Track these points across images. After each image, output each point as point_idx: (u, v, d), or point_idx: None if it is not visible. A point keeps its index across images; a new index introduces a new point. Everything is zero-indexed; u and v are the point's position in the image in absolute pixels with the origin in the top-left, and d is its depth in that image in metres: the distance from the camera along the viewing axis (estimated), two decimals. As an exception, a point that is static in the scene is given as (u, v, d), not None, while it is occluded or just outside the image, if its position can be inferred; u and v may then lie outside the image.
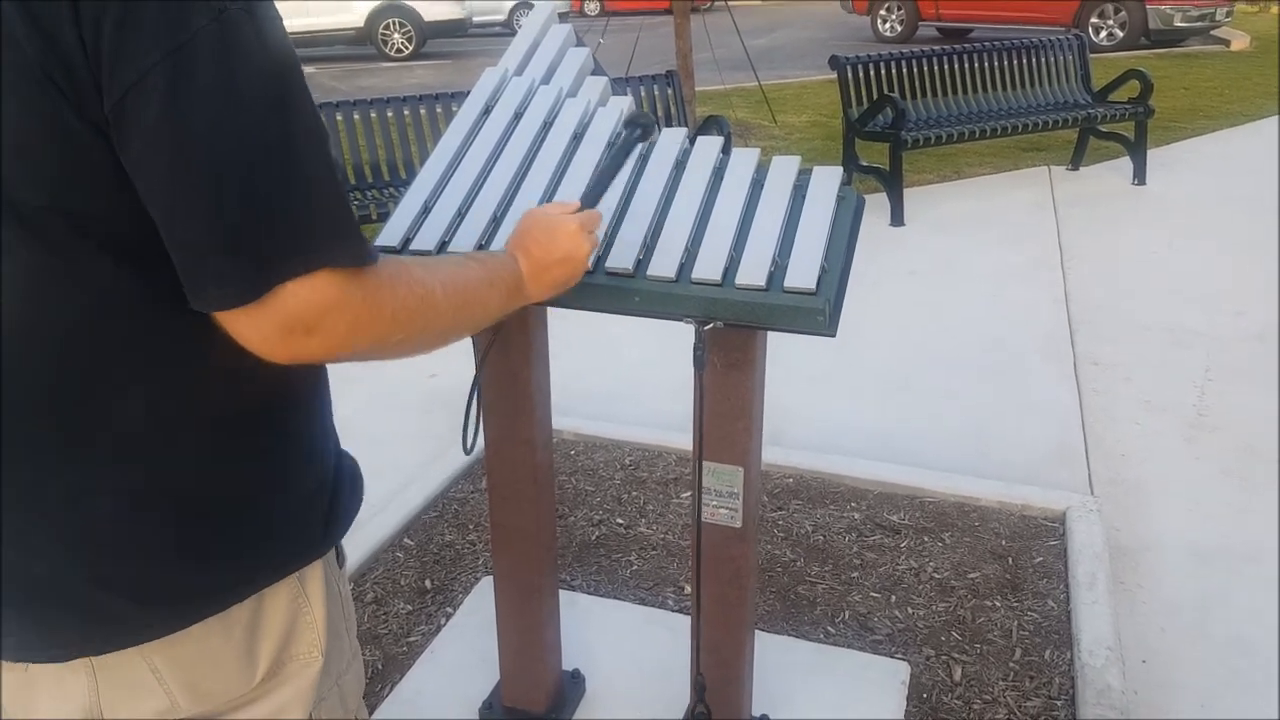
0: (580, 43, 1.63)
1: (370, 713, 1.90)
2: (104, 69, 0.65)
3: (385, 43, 14.21)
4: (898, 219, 5.22)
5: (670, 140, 1.44)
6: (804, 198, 1.35)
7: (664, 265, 1.29)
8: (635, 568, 2.39)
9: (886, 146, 5.32)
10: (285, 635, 0.89)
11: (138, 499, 0.79)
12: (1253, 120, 7.72)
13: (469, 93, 1.54)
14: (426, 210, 1.39)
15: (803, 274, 1.25)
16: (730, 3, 8.87)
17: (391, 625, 2.18)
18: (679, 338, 3.33)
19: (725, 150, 1.43)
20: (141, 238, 0.71)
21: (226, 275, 0.70)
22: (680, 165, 1.41)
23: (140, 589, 0.80)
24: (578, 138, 1.45)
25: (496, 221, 1.36)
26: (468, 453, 1.33)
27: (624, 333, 3.75)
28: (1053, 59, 6.10)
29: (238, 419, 0.82)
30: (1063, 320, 3.90)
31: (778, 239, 1.29)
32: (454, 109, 4.65)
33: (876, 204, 5.20)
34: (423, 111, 4.70)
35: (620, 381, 3.44)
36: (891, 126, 5.32)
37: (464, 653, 2.05)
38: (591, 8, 21.58)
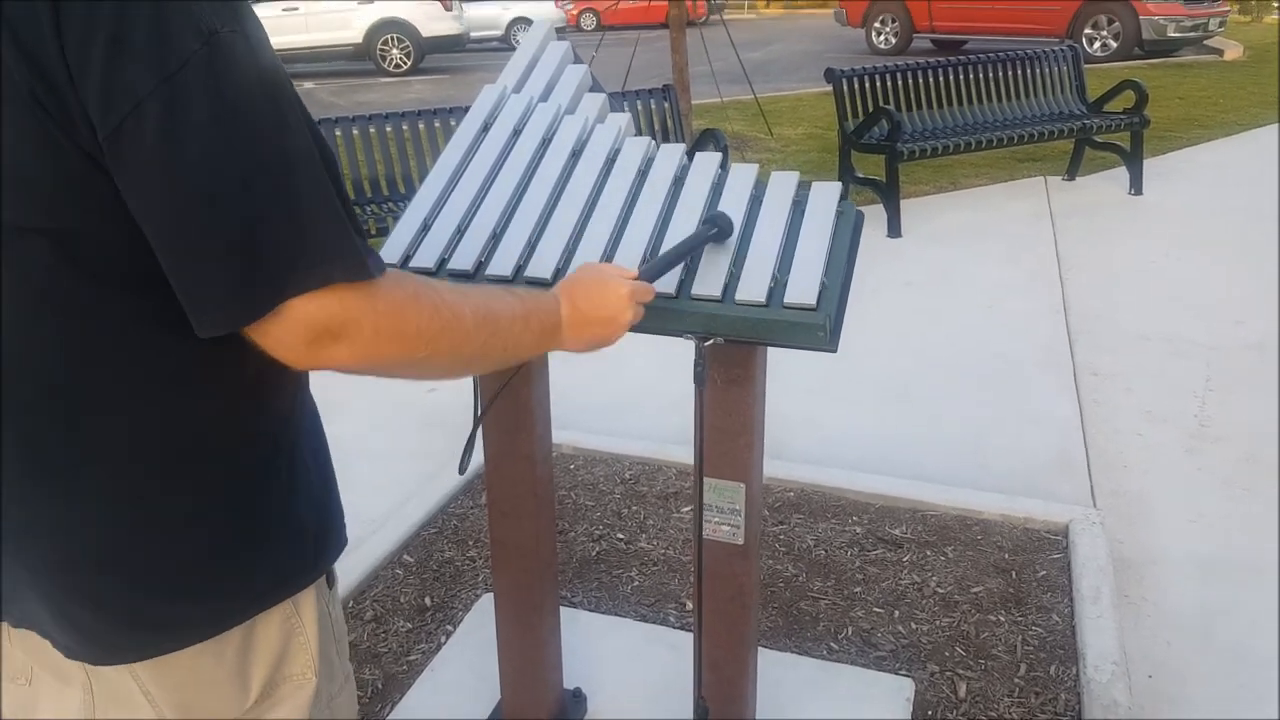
0: (578, 59, 1.64)
1: (370, 733, 1.89)
2: (95, 97, 0.65)
3: (384, 58, 14.28)
4: (894, 230, 5.23)
5: (669, 156, 1.44)
6: (803, 213, 1.35)
7: (664, 281, 1.28)
8: (636, 584, 2.37)
9: (882, 158, 5.33)
10: (278, 657, 0.89)
11: (128, 526, 0.79)
12: (1247, 130, 7.75)
13: (467, 108, 1.53)
14: (426, 227, 1.38)
15: (803, 290, 1.24)
16: (726, 17, 8.90)
17: (391, 644, 2.16)
18: (678, 351, 3.32)
19: (723, 166, 1.42)
20: (129, 263, 0.71)
21: (225, 297, 0.70)
22: (679, 181, 1.41)
23: (131, 615, 0.80)
24: (576, 155, 1.45)
25: (496, 239, 1.35)
26: (461, 473, 1.33)
27: (622, 346, 3.74)
28: (1047, 70, 6.12)
29: (228, 446, 0.82)
30: (1061, 330, 3.90)
31: (777, 255, 1.29)
32: (452, 124, 4.66)
33: (873, 216, 5.21)
34: (421, 127, 4.71)
35: (619, 395, 3.43)
36: (887, 138, 5.33)
37: (464, 671, 2.03)
38: (588, 22, 21.70)
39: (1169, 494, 2.73)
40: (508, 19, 17.83)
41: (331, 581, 0.96)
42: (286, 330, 0.72)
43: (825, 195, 1.36)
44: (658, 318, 1.27)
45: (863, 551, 2.46)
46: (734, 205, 1.36)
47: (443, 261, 1.35)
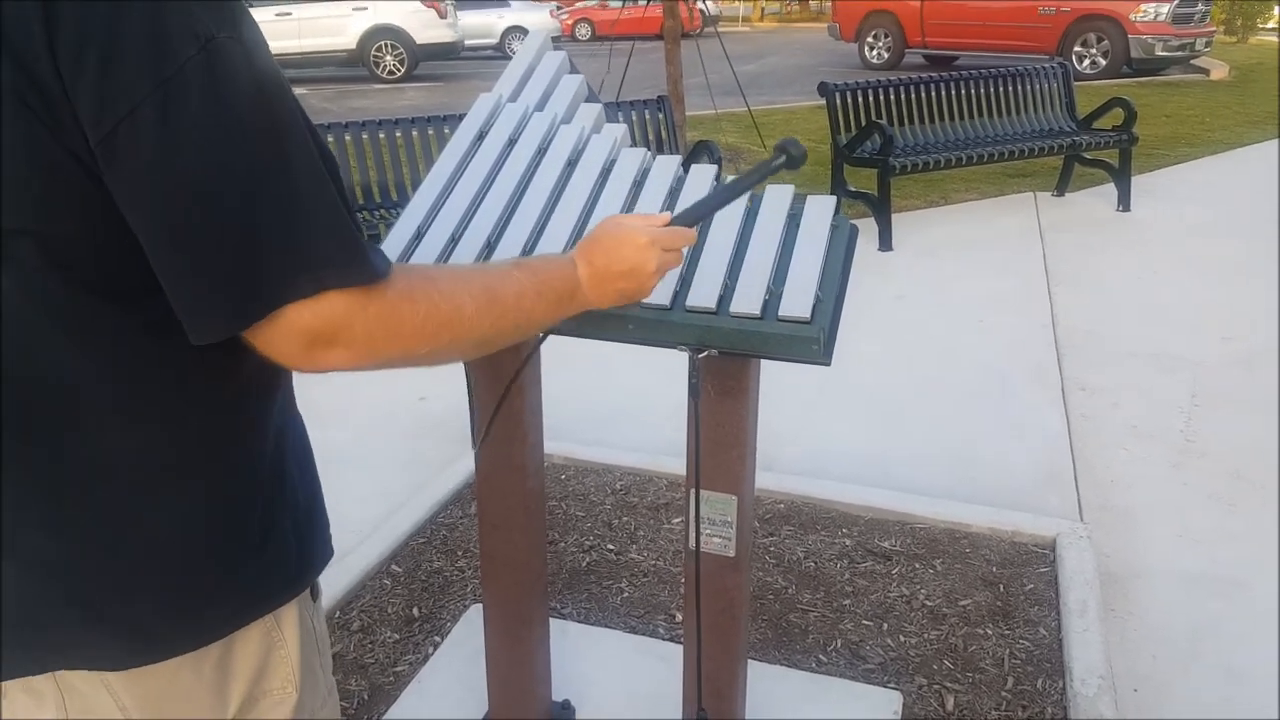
0: (574, 69, 1.64)
1: (356, 744, 1.87)
2: (88, 101, 0.64)
3: (377, 64, 14.27)
4: (886, 244, 5.26)
5: (664, 168, 1.44)
6: (798, 227, 1.35)
7: (658, 292, 1.28)
8: (626, 595, 2.37)
9: (875, 172, 5.36)
10: (258, 671, 0.88)
11: (110, 536, 0.78)
12: (1233, 148, 7.83)
13: (461, 115, 1.54)
14: (420, 235, 1.38)
15: (797, 303, 1.25)
16: (720, 29, 8.94)
17: (378, 654, 2.15)
18: (669, 362, 3.32)
19: (718, 179, 1.43)
20: (118, 270, 0.71)
21: (218, 304, 0.70)
22: (674, 193, 1.41)
23: (113, 622, 0.79)
24: (572, 164, 1.45)
25: (490, 247, 1.35)
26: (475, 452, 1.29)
27: (614, 356, 3.74)
28: (1038, 86, 6.18)
29: (215, 456, 0.81)
30: (1050, 345, 3.92)
31: (772, 267, 1.29)
32: (446, 131, 4.66)
33: (865, 229, 5.22)
34: (415, 133, 4.71)
35: (611, 405, 3.43)
36: (879, 152, 5.36)
37: (452, 683, 2.02)
38: (583, 32, 21.76)
39: (1155, 509, 2.74)
40: (502, 27, 17.88)
41: (315, 594, 0.95)
42: (282, 336, 0.72)
43: (820, 209, 1.37)
44: (652, 329, 1.28)
45: (852, 564, 2.46)
46: (729, 218, 1.36)
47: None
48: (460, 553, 2.53)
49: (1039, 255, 5.13)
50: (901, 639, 2.18)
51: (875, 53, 14.47)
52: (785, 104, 10.52)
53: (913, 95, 5.82)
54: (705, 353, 1.27)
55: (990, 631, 2.20)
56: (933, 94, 5.88)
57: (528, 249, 1.34)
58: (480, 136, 1.51)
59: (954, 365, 3.74)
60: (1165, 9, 11.91)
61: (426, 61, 14.75)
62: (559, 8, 22.12)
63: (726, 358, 1.30)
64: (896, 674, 2.07)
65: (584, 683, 2.01)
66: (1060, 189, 6.39)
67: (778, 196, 1.39)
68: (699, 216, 1.09)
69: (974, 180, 6.72)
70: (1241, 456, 3.02)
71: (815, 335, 1.22)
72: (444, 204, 1.42)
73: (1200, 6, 12.54)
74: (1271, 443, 3.10)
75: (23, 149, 0.66)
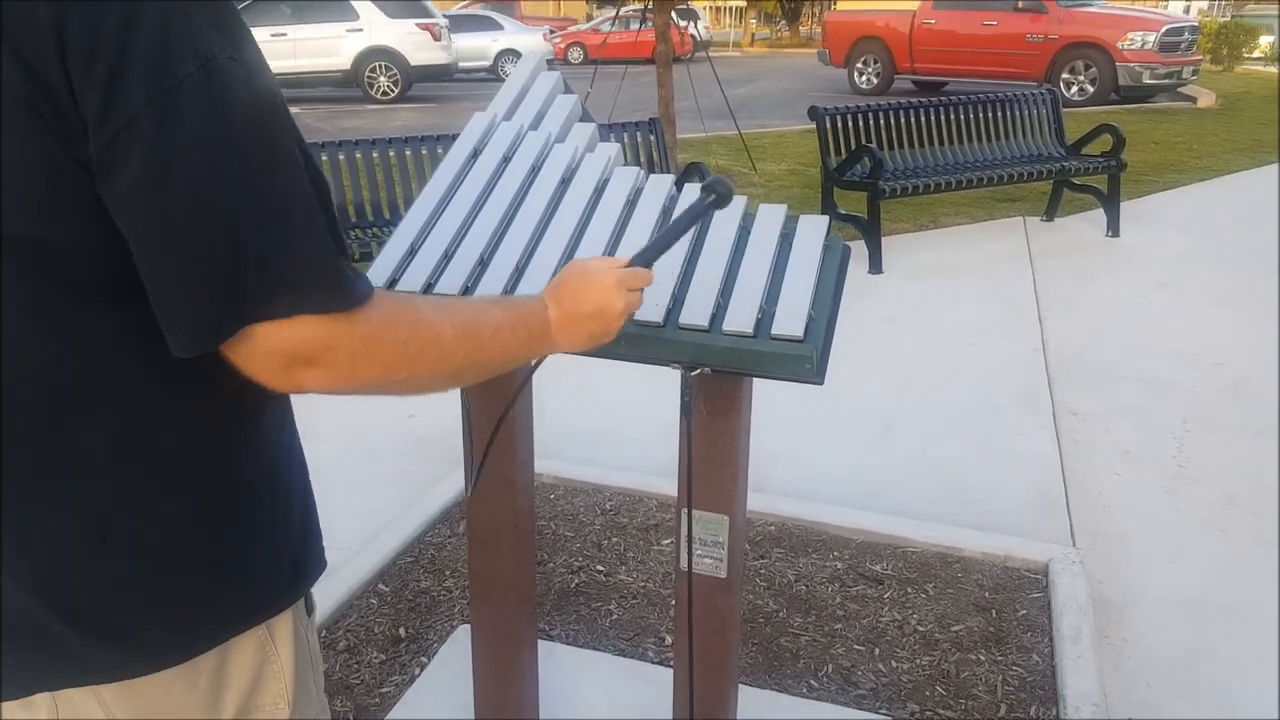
0: (568, 89, 1.64)
1: (340, 768, 1.84)
2: (94, 109, 0.66)
3: (371, 85, 14.33)
4: (876, 267, 5.27)
5: (657, 186, 1.44)
6: (790, 245, 1.35)
7: (651, 310, 1.28)
8: (615, 617, 2.34)
9: (864, 195, 5.39)
10: (251, 686, 0.87)
11: (103, 541, 0.78)
12: (1221, 175, 7.90)
13: (454, 135, 1.53)
14: (413, 252, 1.37)
15: (790, 321, 1.24)
16: (712, 54, 9.02)
17: (364, 675, 2.12)
18: (660, 380, 3.31)
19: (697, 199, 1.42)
20: (114, 276, 0.72)
21: (194, 318, 0.71)
22: (667, 212, 1.41)
23: (105, 630, 0.79)
24: (565, 182, 1.45)
25: (483, 264, 1.35)
26: (469, 494, 1.30)
27: (603, 374, 3.73)
28: (1027, 112, 6.23)
29: (207, 464, 0.81)
30: (1040, 370, 3.93)
31: (765, 286, 1.29)
32: (439, 151, 4.67)
33: (855, 252, 5.22)
34: (408, 153, 4.71)
35: (601, 423, 3.41)
36: (869, 176, 5.39)
37: (439, 704, 1.99)
38: (575, 55, 21.92)
39: (1148, 534, 2.74)
40: (496, 50, 17.99)
41: (310, 607, 0.95)
42: (260, 354, 0.73)
43: (812, 228, 1.37)
44: (644, 346, 1.27)
45: (844, 588, 2.44)
46: (722, 237, 1.36)
47: (429, 286, 1.34)
48: (448, 572, 2.50)
49: (1029, 279, 5.15)
50: (894, 664, 2.16)
51: (865, 78, 14.62)
52: (775, 127, 10.60)
53: (902, 120, 5.87)
54: (698, 371, 1.26)
55: (983, 657, 2.19)
56: (922, 119, 5.93)
57: (520, 267, 1.34)
58: (475, 154, 1.50)
59: (945, 388, 3.74)
60: (1152, 37, 12.07)
61: (420, 83, 14.82)
62: (552, 31, 22.30)
63: (719, 376, 1.30)
64: (889, 700, 2.05)
65: (572, 706, 1.98)
66: (1050, 214, 6.43)
67: (770, 216, 1.38)
68: (653, 257, 1.12)
69: (964, 204, 6.76)
70: (1234, 482, 3.02)
71: (808, 354, 1.21)
72: (437, 221, 1.41)
73: (1187, 35, 12.72)
74: (1263, 468, 3.11)
75: (32, 155, 0.67)
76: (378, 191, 4.68)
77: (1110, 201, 6.04)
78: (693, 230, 1.24)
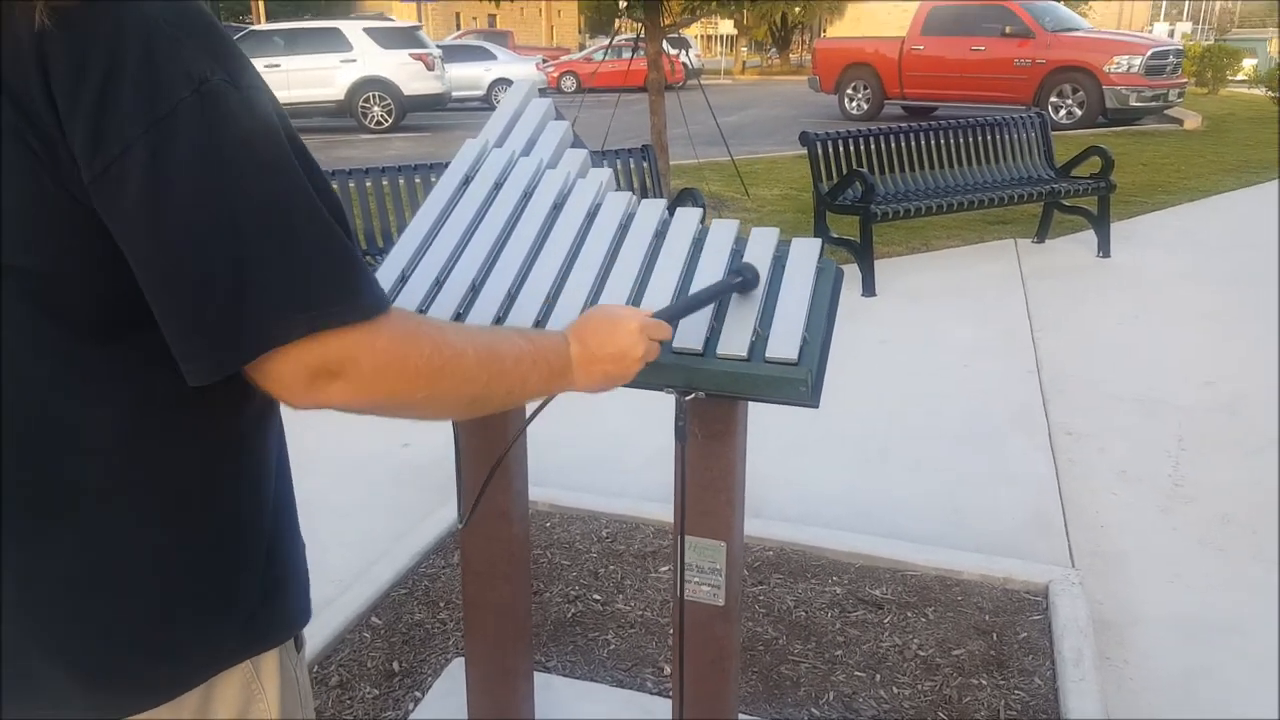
0: (560, 116, 1.64)
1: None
2: (82, 139, 0.65)
3: (365, 115, 14.42)
4: (869, 289, 5.29)
5: (650, 211, 1.44)
6: (783, 269, 1.34)
7: (645, 336, 1.27)
8: (613, 647, 2.31)
9: (856, 219, 5.41)
10: None
11: (90, 579, 0.76)
12: (1209, 195, 7.97)
13: (447, 163, 1.53)
14: (404, 279, 1.37)
15: (784, 344, 1.23)
16: (703, 82, 9.09)
17: (357, 710, 2.08)
18: (655, 406, 3.30)
19: (703, 221, 1.42)
20: (113, 304, 0.71)
21: (212, 345, 0.69)
22: (660, 235, 1.40)
23: (89, 671, 0.78)
24: (557, 208, 1.45)
25: (475, 290, 1.34)
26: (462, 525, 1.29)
27: (596, 399, 3.72)
28: (1016, 136, 6.28)
29: (195, 501, 0.80)
30: (1035, 391, 3.92)
31: (758, 309, 1.28)
32: (432, 179, 4.68)
33: (848, 275, 5.26)
34: (401, 182, 4.73)
35: (596, 449, 3.39)
36: (861, 200, 5.41)
37: (433, 739, 1.96)
38: (568, 84, 22.09)
39: (1146, 554, 2.72)
40: (489, 79, 18.14)
41: (299, 644, 0.93)
42: (285, 369, 0.72)
43: (805, 251, 1.36)
44: (639, 371, 1.26)
45: (843, 613, 2.42)
46: (714, 261, 1.36)
47: (420, 312, 1.33)
48: (442, 604, 2.47)
49: (1021, 301, 5.17)
50: (895, 690, 2.14)
51: (855, 104, 14.75)
52: (767, 153, 10.67)
53: (893, 144, 5.91)
54: (692, 395, 1.25)
55: (985, 682, 2.16)
56: (913, 143, 5.97)
57: (513, 294, 1.33)
58: (466, 181, 1.50)
59: (940, 410, 3.74)
60: (1138, 61, 12.22)
61: (414, 112, 14.92)
62: (545, 61, 22.48)
63: (714, 400, 1.29)
64: (890, 726, 2.02)
65: (570, 738, 1.95)
66: (1041, 236, 6.47)
67: (763, 239, 1.38)
68: (675, 317, 1.18)
69: (955, 227, 6.80)
70: (1230, 500, 3.01)
71: (803, 376, 1.20)
72: (429, 248, 1.40)
73: (1172, 59, 12.87)
74: (1259, 485, 3.10)
75: (22, 188, 0.66)
76: (371, 220, 4.68)
77: (1100, 223, 6.07)
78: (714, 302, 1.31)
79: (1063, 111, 12.43)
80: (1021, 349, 4.42)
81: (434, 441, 3.34)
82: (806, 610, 2.43)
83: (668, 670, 2.21)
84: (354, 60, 14.35)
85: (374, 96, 14.40)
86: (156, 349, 0.71)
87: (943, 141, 6.05)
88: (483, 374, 0.85)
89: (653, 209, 1.43)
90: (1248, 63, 21.51)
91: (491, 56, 18.75)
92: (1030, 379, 4.05)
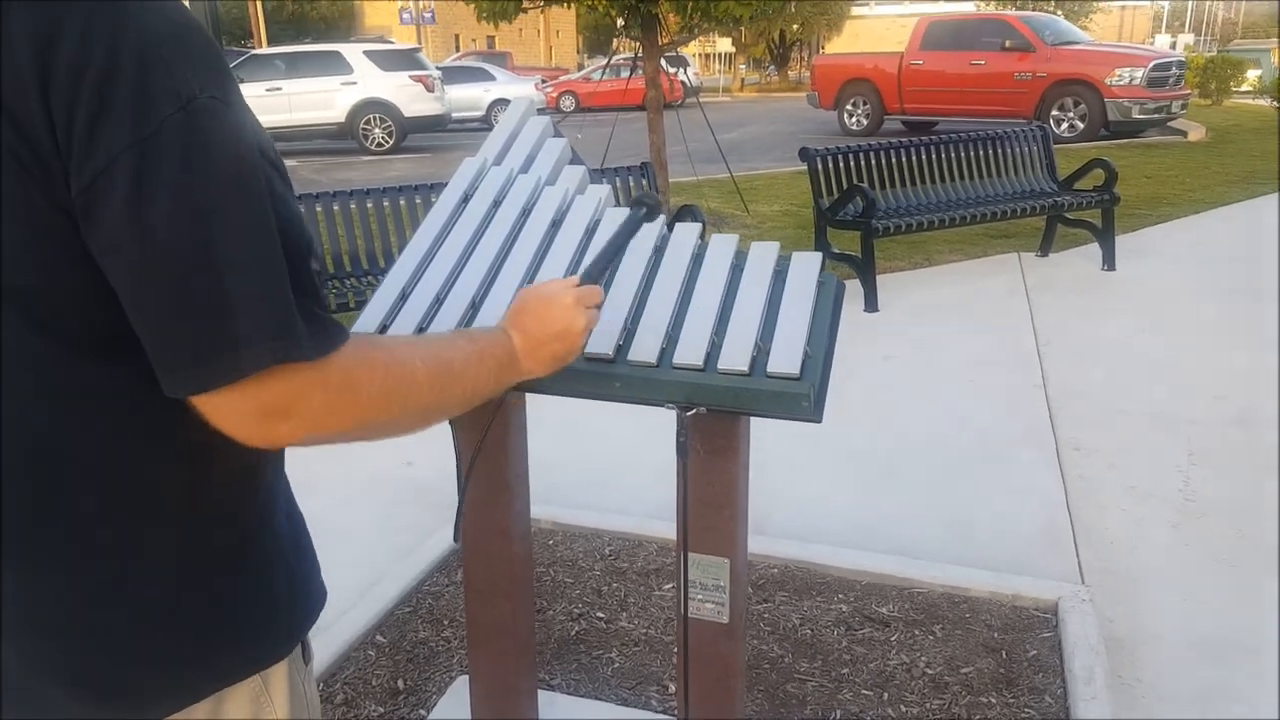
0: (558, 133, 1.64)
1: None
2: (75, 153, 0.66)
3: (366, 137, 14.50)
4: (871, 305, 5.27)
5: (648, 227, 1.43)
6: (784, 283, 1.34)
7: (645, 350, 1.26)
8: (617, 665, 2.29)
9: (858, 234, 5.40)
10: None
11: (97, 595, 0.76)
12: (1214, 207, 7.96)
13: (447, 183, 1.53)
14: (405, 297, 1.36)
15: (786, 359, 1.22)
16: (702, 99, 9.13)
17: (360, 732, 2.06)
18: (657, 422, 3.29)
19: (702, 237, 1.42)
20: (99, 325, 0.71)
21: (189, 361, 0.69)
22: (659, 250, 1.40)
23: (98, 686, 0.78)
24: (556, 224, 1.44)
25: (475, 307, 1.33)
26: (456, 542, 1.28)
27: (596, 416, 3.71)
28: (1018, 149, 6.28)
29: (200, 515, 0.80)
30: (1042, 405, 3.90)
31: (759, 324, 1.27)
32: (432, 199, 4.69)
33: (850, 290, 5.25)
34: (402, 202, 4.74)
35: (598, 467, 3.38)
36: (862, 215, 5.41)
37: (436, 761, 1.94)
38: (567, 104, 22.21)
39: (1157, 570, 2.69)
40: (489, 100, 18.25)
41: (307, 657, 0.93)
42: (232, 410, 0.71)
43: (806, 265, 1.36)
44: (639, 387, 1.25)
45: (850, 631, 2.39)
46: (715, 275, 1.35)
47: (420, 330, 1.32)
48: (446, 622, 2.45)
49: (1026, 315, 5.15)
50: (903, 709, 2.11)
51: (854, 119, 14.79)
52: (767, 170, 10.69)
53: (894, 159, 5.91)
54: (694, 410, 1.24)
55: (994, 700, 2.13)
56: (914, 157, 5.97)
57: (512, 309, 1.32)
58: (465, 199, 1.50)
59: (946, 426, 3.72)
60: (1140, 73, 12.24)
61: (414, 134, 15.01)
62: (544, 81, 22.62)
63: (715, 415, 1.28)
64: (899, 745, 2.00)
65: (574, 760, 1.92)
66: (1044, 249, 6.45)
67: (763, 253, 1.38)
68: (599, 272, 1.15)
69: (957, 241, 6.79)
70: (1242, 516, 2.98)
71: (805, 391, 1.19)
72: (429, 265, 1.40)
73: (1174, 70, 12.89)
74: (1271, 500, 3.07)
75: (18, 207, 0.66)
76: (372, 241, 4.69)
77: (1105, 235, 6.06)
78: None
79: (1064, 125, 12.44)
80: (1027, 363, 4.40)
81: (437, 459, 3.32)
82: (812, 628, 2.41)
83: (672, 688, 2.18)
84: (354, 83, 14.45)
85: (375, 118, 14.49)
86: (143, 367, 0.71)
87: (944, 155, 6.05)
88: (435, 385, 0.86)
89: (650, 225, 1.42)
90: (1252, 73, 21.56)
91: (490, 77, 18.87)
92: (1037, 393, 4.02)
